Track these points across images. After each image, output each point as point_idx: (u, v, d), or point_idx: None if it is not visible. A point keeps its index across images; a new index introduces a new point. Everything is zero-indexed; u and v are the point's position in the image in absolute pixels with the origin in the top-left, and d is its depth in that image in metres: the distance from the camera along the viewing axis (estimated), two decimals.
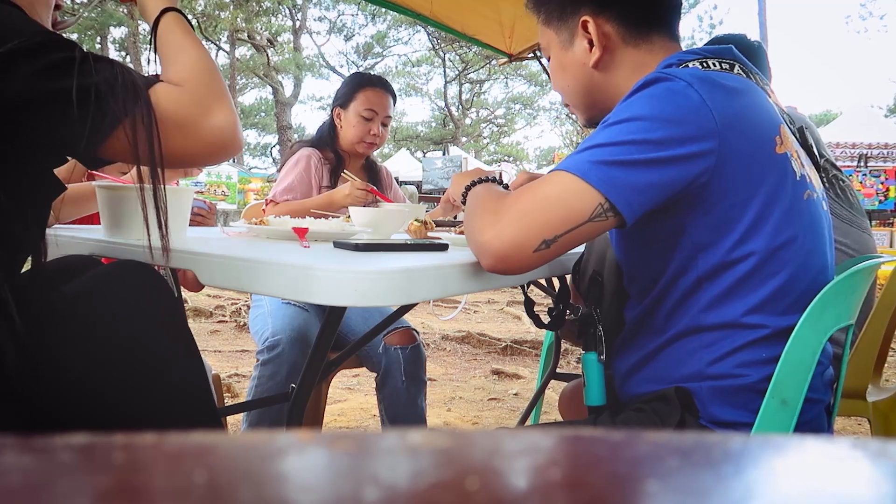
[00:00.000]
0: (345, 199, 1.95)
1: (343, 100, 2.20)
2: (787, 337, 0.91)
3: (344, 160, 2.20)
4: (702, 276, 0.93)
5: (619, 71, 1.05)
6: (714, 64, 0.96)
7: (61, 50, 0.78)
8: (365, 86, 2.18)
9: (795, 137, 1.02)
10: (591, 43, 1.05)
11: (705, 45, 1.11)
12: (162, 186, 0.86)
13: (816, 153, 1.09)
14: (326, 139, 2.21)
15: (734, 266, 0.91)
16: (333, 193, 2.00)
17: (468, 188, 1.06)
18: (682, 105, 0.87)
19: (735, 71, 0.97)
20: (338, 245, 1.08)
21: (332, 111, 2.24)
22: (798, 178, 0.95)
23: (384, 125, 2.20)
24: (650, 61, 1.02)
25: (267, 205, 2.09)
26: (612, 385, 1.08)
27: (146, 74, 0.89)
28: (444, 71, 26.06)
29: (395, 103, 2.23)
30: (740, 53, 1.02)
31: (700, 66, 0.95)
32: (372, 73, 2.37)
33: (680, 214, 0.91)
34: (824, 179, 1.69)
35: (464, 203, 1.07)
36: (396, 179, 2.46)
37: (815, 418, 0.98)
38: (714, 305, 0.93)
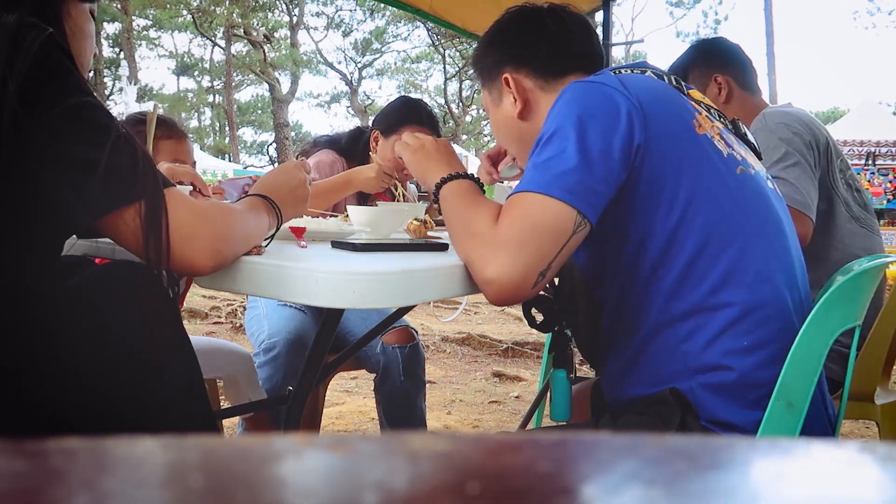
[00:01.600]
0: (367, 180, 1.84)
1: (385, 126, 2.03)
2: (763, 316, 0.94)
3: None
4: (654, 262, 0.96)
5: (540, 116, 1.11)
6: (625, 70, 1.05)
7: (100, 120, 0.79)
8: (413, 122, 1.99)
9: (728, 129, 1.08)
10: (514, 97, 1.15)
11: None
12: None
13: (753, 141, 1.15)
14: (357, 153, 2.06)
15: (680, 246, 0.95)
16: (353, 173, 1.87)
17: (444, 182, 1.06)
18: (601, 97, 0.95)
19: (647, 74, 1.06)
20: (336, 245, 1.08)
21: (371, 130, 2.08)
22: (725, 155, 1.00)
23: None
24: None
25: None
26: (599, 394, 1.10)
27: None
28: (444, 68, 26.07)
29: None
30: (654, 65, 1.11)
31: (612, 73, 1.02)
32: (420, 101, 2.17)
33: (622, 202, 0.95)
34: (842, 181, 1.70)
35: (436, 198, 1.08)
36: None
37: (815, 416, 0.99)
38: (676, 292, 0.96)
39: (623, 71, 1.06)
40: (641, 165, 0.94)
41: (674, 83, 1.08)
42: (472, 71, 1.28)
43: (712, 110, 1.09)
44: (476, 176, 1.10)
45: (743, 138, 1.12)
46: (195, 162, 1.69)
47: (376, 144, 2.05)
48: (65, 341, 0.84)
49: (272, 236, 0.99)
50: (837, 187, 1.69)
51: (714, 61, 1.78)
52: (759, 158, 1.14)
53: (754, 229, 0.98)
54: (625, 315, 1.02)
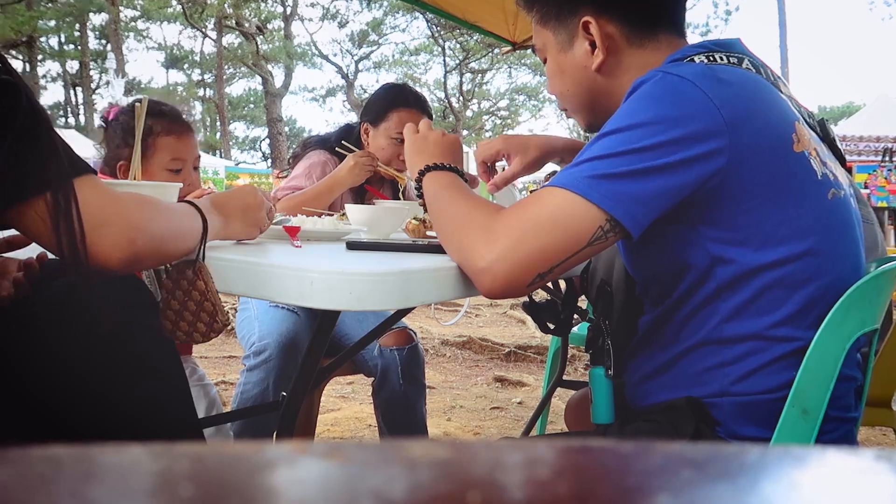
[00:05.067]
0: (349, 172, 1.85)
1: (373, 115, 2.07)
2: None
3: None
4: (721, 285, 0.91)
5: (624, 74, 1.02)
6: (721, 58, 0.95)
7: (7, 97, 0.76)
8: (399, 105, 2.03)
9: (816, 133, 1.00)
10: (592, 45, 1.02)
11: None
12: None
13: (839, 146, 1.08)
14: (343, 142, 2.07)
15: (758, 275, 0.90)
16: (335, 173, 1.89)
17: (425, 171, 1.03)
18: (683, 103, 0.86)
19: (744, 65, 0.96)
20: (352, 246, 1.08)
21: (360, 123, 2.11)
22: (819, 176, 0.93)
23: None
24: (656, 61, 0.99)
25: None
26: (622, 395, 1.07)
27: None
28: (444, 60, 26.06)
29: (432, 121, 2.12)
30: (746, 47, 1.01)
31: (706, 60, 0.94)
32: (405, 84, 2.21)
33: (695, 222, 0.89)
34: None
35: (418, 187, 1.05)
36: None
37: (843, 437, 0.98)
38: (734, 317, 0.91)
39: (718, 58, 0.95)
40: (722, 187, 0.86)
41: (772, 79, 0.99)
42: (523, 1, 1.12)
43: (802, 110, 1.00)
44: (466, 173, 1.06)
45: (831, 144, 1.04)
46: (199, 156, 1.66)
47: (367, 136, 2.08)
48: (44, 347, 0.84)
49: (203, 245, 0.92)
50: None
51: None
52: (843, 162, 1.06)
53: (835, 263, 0.93)
54: (670, 327, 0.97)
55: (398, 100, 2.05)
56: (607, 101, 1.06)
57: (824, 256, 0.92)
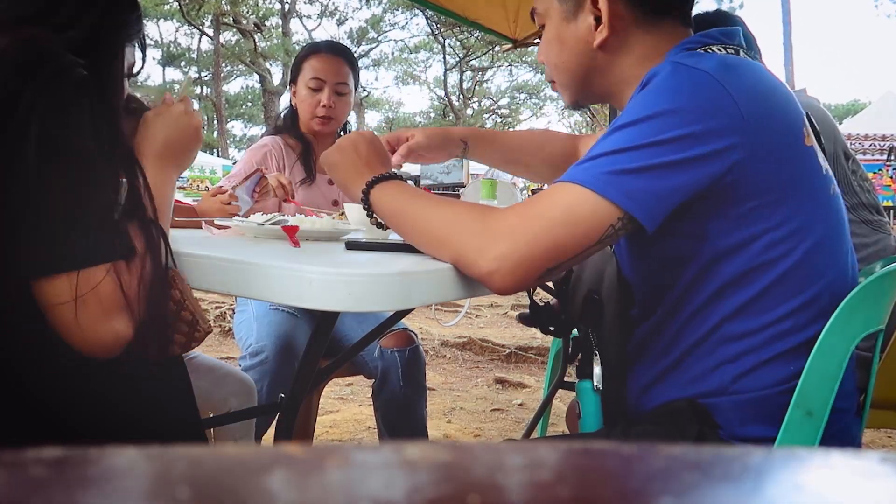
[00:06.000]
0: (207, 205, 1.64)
1: (293, 75, 2.11)
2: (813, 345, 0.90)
3: (311, 144, 2.09)
4: (726, 282, 0.91)
5: (625, 56, 1.01)
6: (731, 49, 0.95)
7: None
8: (310, 54, 2.07)
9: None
10: (598, 20, 1.00)
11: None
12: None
13: (823, 140, 1.08)
14: (288, 124, 2.12)
15: (765, 271, 0.90)
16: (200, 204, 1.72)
17: (370, 187, 1.00)
18: (702, 96, 0.85)
19: (741, 56, 0.96)
20: (351, 246, 1.07)
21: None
22: (824, 172, 0.94)
23: (339, 94, 2.04)
24: (660, 49, 0.99)
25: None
26: (619, 403, 1.07)
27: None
28: (444, 58, 26.04)
29: (354, 68, 2.10)
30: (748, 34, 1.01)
31: (719, 52, 0.94)
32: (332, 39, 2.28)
33: (702, 218, 0.89)
34: (854, 178, 1.68)
35: (366, 207, 1.01)
36: (417, 179, 2.38)
37: (843, 429, 0.98)
38: (738, 314, 0.91)
39: (728, 50, 0.94)
40: (737, 182, 0.86)
41: (766, 69, 0.99)
42: None
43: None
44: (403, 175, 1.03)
45: (817, 137, 1.04)
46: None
47: (295, 98, 2.10)
48: (46, 346, 0.84)
49: (168, 252, 0.90)
50: (850, 191, 1.68)
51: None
52: (824, 152, 1.06)
53: (835, 258, 0.94)
54: (672, 326, 0.97)
55: (309, 50, 2.11)
56: (601, 80, 1.05)
57: (827, 252, 0.93)
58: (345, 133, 2.21)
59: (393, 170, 1.03)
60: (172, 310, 0.87)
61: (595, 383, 1.07)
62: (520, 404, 3.25)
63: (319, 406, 2.12)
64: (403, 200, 0.97)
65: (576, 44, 1.03)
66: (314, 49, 2.11)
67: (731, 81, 0.86)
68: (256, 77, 27.65)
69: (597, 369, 1.06)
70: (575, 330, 1.23)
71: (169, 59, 31.53)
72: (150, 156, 0.95)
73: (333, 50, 2.10)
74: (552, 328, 1.29)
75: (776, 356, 0.92)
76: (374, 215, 1.01)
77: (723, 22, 1.80)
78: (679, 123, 0.83)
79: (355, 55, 2.32)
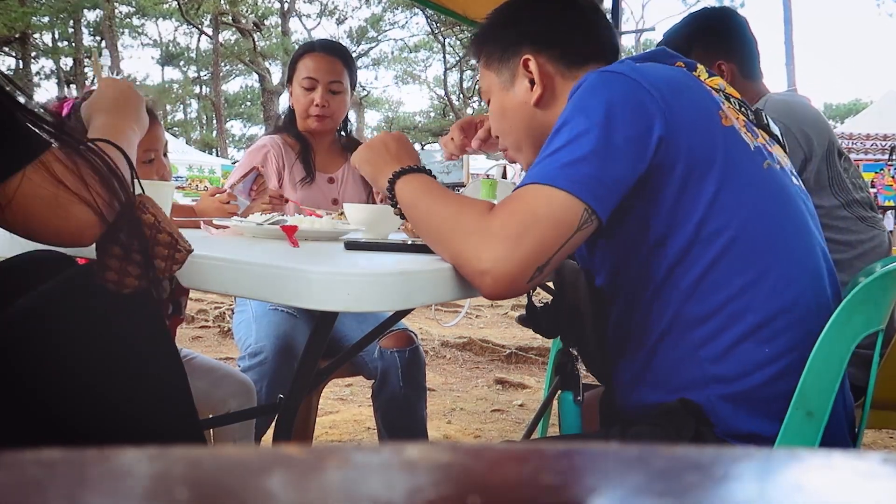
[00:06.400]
0: (206, 205, 1.65)
1: (289, 75, 2.13)
2: (785, 322, 0.93)
3: (309, 143, 2.10)
4: (672, 262, 0.96)
5: (558, 105, 1.09)
6: (640, 61, 1.04)
7: None
8: (304, 53, 2.09)
9: (749, 119, 1.06)
10: (531, 82, 1.11)
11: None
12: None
13: (777, 133, 1.13)
14: (286, 123, 2.14)
15: (703, 246, 0.94)
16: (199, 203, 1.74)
17: (395, 178, 1.04)
18: (619, 89, 0.94)
19: (665, 63, 1.06)
20: (350, 246, 1.08)
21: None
22: (752, 149, 0.99)
23: (333, 92, 2.05)
24: None
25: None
26: (608, 402, 1.10)
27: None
28: (444, 57, 26.05)
29: (349, 66, 2.11)
30: (673, 52, 1.11)
31: (630, 62, 1.02)
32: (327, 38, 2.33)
33: (638, 202, 0.95)
34: (846, 176, 1.69)
35: (391, 196, 1.05)
36: None
37: (840, 429, 0.98)
38: (693, 294, 0.95)
39: (639, 62, 1.05)
40: (663, 160, 0.93)
41: (694, 72, 1.07)
42: (472, 48, 1.22)
43: (732, 99, 1.07)
44: (427, 167, 1.08)
45: (766, 129, 1.11)
46: (167, 141, 1.66)
47: (291, 98, 2.11)
48: (43, 345, 0.84)
49: (135, 176, 0.91)
50: (843, 188, 1.68)
51: (720, 45, 1.75)
52: (784, 149, 1.13)
53: (780, 229, 0.97)
54: (636, 317, 1.01)
55: (304, 49, 2.12)
56: (543, 134, 1.10)
57: (766, 223, 0.96)
58: (345, 132, 2.23)
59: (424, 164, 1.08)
60: (147, 233, 0.87)
61: (576, 395, 1.14)
62: (520, 405, 3.25)
63: (319, 407, 2.12)
64: (421, 193, 1.01)
65: (518, 107, 1.14)
66: (308, 48, 2.12)
67: (641, 76, 0.95)
68: (255, 76, 27.67)
69: (580, 381, 1.14)
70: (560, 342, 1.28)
71: (167, 59, 31.54)
72: (97, 115, 0.99)
73: (327, 49, 2.11)
74: (549, 330, 1.30)
75: (743, 336, 0.94)
76: (398, 206, 1.05)
77: (726, 19, 1.82)
78: (604, 111, 0.91)
79: (354, 54, 2.35)
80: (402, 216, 1.07)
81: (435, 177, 1.06)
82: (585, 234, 0.90)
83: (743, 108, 1.07)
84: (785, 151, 1.12)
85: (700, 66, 1.09)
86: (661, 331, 0.99)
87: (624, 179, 0.91)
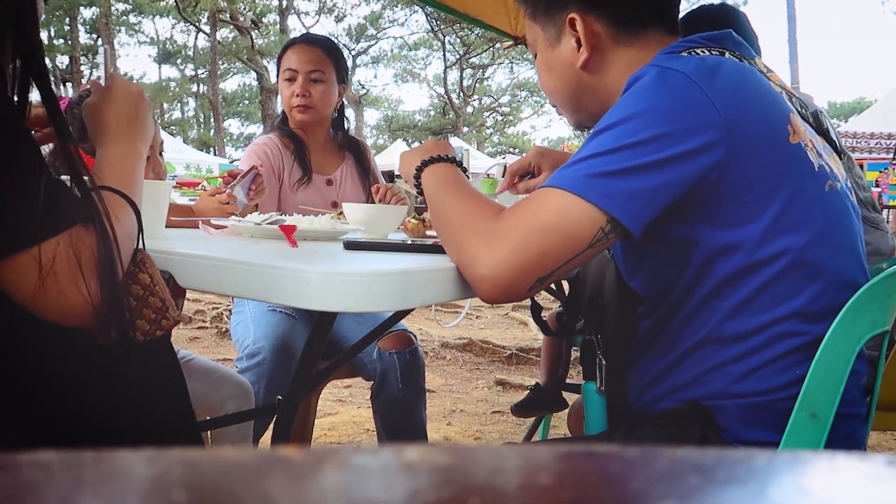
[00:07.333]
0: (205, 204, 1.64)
1: (277, 72, 2.15)
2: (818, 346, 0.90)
3: (301, 139, 2.10)
4: (720, 283, 0.92)
5: (609, 72, 1.04)
6: (704, 52, 0.97)
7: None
8: (286, 48, 2.12)
9: (809, 123, 1.01)
10: (578, 42, 1.04)
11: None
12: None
13: (836, 138, 1.08)
14: (280, 122, 2.15)
15: (758, 270, 0.91)
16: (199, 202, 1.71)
17: (422, 166, 1.04)
18: (678, 97, 0.87)
19: (726, 57, 0.98)
20: (349, 246, 1.08)
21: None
22: (817, 168, 0.94)
23: (314, 81, 2.04)
24: (644, 60, 1.00)
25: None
26: (621, 404, 1.08)
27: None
28: (444, 55, 26.06)
29: (334, 57, 2.09)
30: (740, 38, 1.03)
31: (698, 54, 0.95)
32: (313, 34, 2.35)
33: (690, 220, 0.90)
34: (849, 175, 1.69)
35: (417, 185, 1.05)
36: (392, 173, 2.43)
37: (849, 434, 0.98)
38: (736, 314, 0.92)
39: (712, 52, 0.97)
40: (721, 181, 0.87)
41: (764, 71, 1.01)
42: None
43: (794, 99, 1.01)
44: (464, 165, 1.07)
45: (825, 134, 1.05)
46: (163, 140, 1.65)
47: (280, 95, 2.14)
48: (37, 345, 0.84)
49: (141, 233, 0.88)
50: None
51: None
52: (840, 155, 1.08)
53: (837, 255, 0.94)
54: (670, 326, 0.98)
55: (287, 44, 2.16)
56: (592, 99, 1.07)
57: (825, 248, 0.93)
58: (341, 130, 2.22)
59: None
60: (140, 293, 0.85)
61: (599, 385, 1.10)
62: None
63: (318, 408, 2.12)
64: (442, 185, 1.00)
65: (562, 67, 1.08)
66: (290, 42, 2.16)
67: (707, 82, 0.88)
68: (253, 74, 27.68)
69: (601, 371, 1.09)
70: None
71: (165, 57, 31.54)
72: (108, 135, 0.94)
73: (308, 41, 2.12)
74: (554, 329, 1.30)
75: (778, 357, 0.92)
76: (421, 194, 1.05)
77: (725, 17, 1.81)
78: (656, 123, 0.85)
79: (354, 52, 2.36)
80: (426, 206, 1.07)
81: (465, 170, 1.05)
82: (599, 250, 0.87)
83: (803, 111, 1.02)
84: (839, 157, 1.07)
85: (758, 60, 1.03)
86: (692, 345, 0.96)
87: (666, 196, 0.86)
